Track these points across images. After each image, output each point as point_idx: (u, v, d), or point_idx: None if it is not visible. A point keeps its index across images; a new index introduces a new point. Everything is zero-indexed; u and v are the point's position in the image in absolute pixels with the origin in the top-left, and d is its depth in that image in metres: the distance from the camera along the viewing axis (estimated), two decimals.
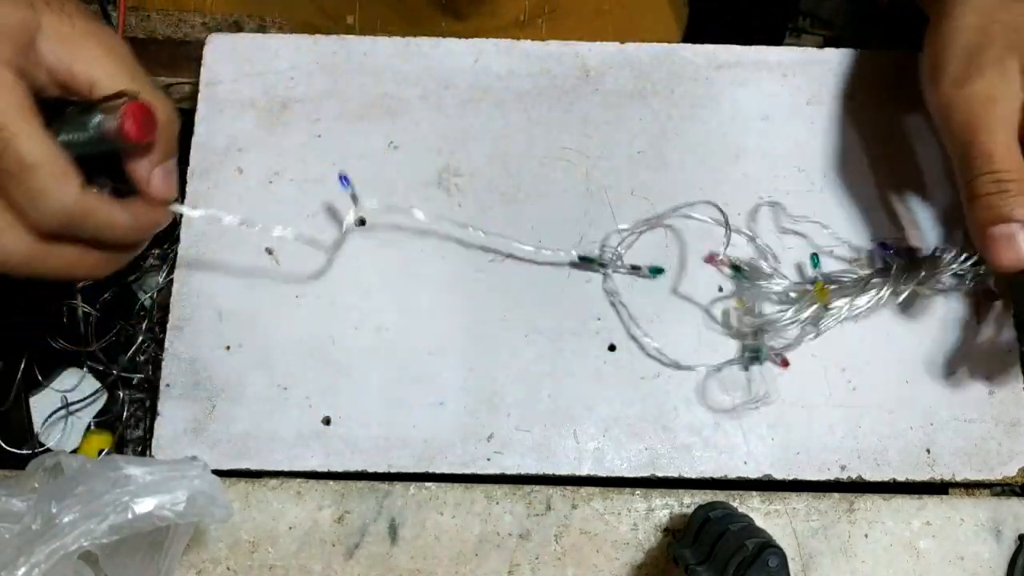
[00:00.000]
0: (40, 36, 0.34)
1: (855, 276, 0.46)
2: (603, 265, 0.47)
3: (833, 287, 0.45)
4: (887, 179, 0.50)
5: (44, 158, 0.32)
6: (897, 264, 0.46)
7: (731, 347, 0.46)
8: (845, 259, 0.48)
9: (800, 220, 0.48)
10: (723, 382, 0.45)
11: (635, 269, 0.47)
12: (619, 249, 0.47)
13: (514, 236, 0.47)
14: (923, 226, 0.49)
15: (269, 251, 0.48)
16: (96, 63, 0.35)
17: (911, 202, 0.49)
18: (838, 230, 0.48)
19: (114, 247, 0.37)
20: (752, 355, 0.44)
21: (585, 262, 0.47)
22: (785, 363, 0.45)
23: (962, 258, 0.45)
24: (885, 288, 0.45)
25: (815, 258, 0.47)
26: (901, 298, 0.46)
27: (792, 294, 0.46)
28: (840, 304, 0.45)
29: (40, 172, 0.32)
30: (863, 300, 0.45)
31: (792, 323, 0.44)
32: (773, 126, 0.50)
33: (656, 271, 0.47)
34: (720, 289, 0.47)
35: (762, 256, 0.47)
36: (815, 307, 0.44)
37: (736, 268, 0.45)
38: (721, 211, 0.46)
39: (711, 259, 0.47)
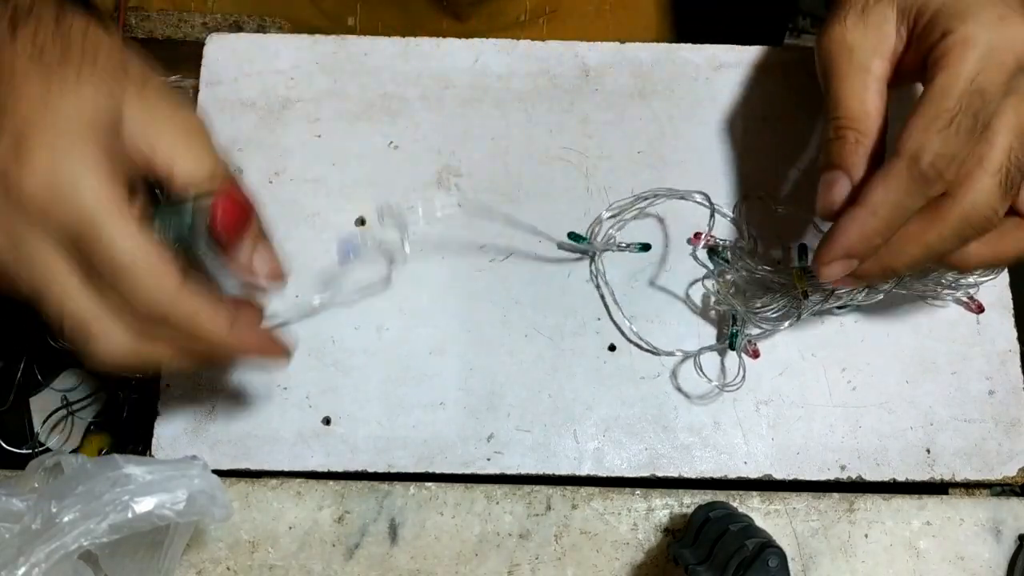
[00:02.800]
0: (124, 121, 0.33)
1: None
2: (590, 244, 0.46)
3: (814, 278, 0.45)
4: None
5: (138, 255, 0.31)
6: None
7: (713, 334, 0.47)
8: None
9: (786, 211, 0.48)
10: (700, 369, 0.45)
11: (622, 248, 0.47)
12: (610, 231, 0.47)
13: (514, 236, 0.48)
14: None
15: None
16: (177, 148, 0.34)
17: None
18: None
19: (211, 349, 0.35)
20: (728, 341, 0.44)
21: (573, 239, 0.46)
22: (756, 354, 0.45)
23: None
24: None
25: (803, 250, 0.46)
26: (878, 298, 0.45)
27: (772, 283, 0.46)
28: (819, 296, 0.44)
29: (135, 270, 0.31)
30: (841, 294, 0.45)
31: (768, 310, 0.44)
32: (773, 126, 0.50)
33: (644, 247, 0.47)
34: (704, 277, 0.47)
35: (745, 243, 0.47)
36: (791, 296, 0.44)
37: (714, 251, 0.45)
38: (706, 196, 0.46)
39: (695, 238, 0.47)
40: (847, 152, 0.37)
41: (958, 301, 0.47)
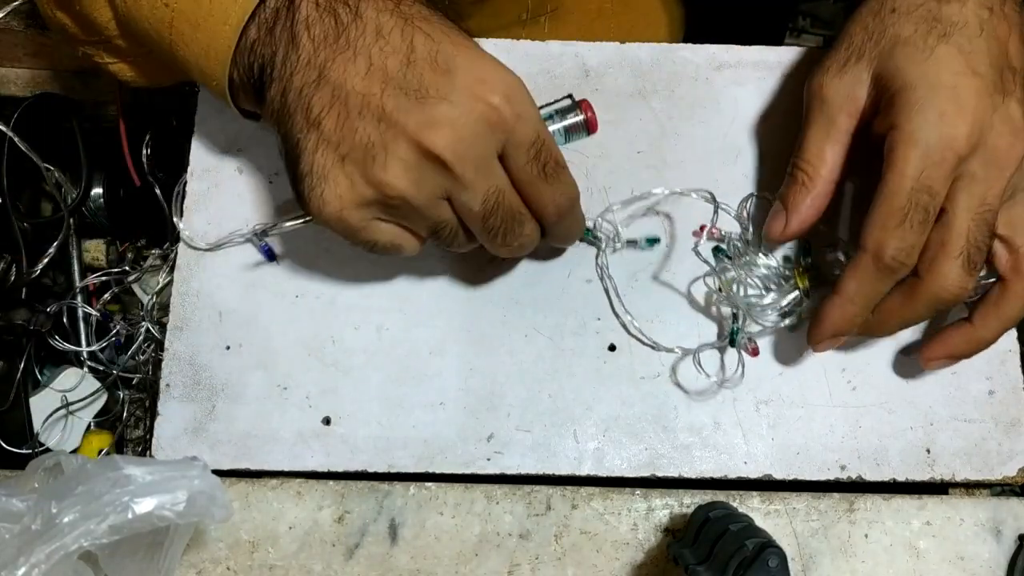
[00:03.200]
0: None
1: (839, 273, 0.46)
2: (596, 238, 0.47)
3: (816, 276, 0.45)
4: None
5: (564, 159, 0.38)
6: None
7: (713, 333, 0.47)
8: (840, 259, 0.47)
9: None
10: (699, 364, 0.45)
11: (631, 243, 0.47)
12: (618, 226, 0.47)
13: None
14: None
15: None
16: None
17: None
18: (837, 229, 0.48)
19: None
20: (728, 338, 0.44)
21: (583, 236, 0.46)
22: (755, 351, 0.45)
23: None
24: None
25: (805, 248, 0.46)
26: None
27: (773, 281, 0.45)
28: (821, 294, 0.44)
29: (567, 170, 0.39)
30: None
31: (769, 308, 0.44)
32: (773, 126, 0.50)
33: (652, 241, 0.47)
34: (706, 274, 0.46)
35: (749, 242, 0.47)
36: (794, 294, 0.44)
37: (718, 247, 0.45)
38: (711, 194, 0.46)
39: (700, 230, 0.47)
40: (793, 192, 0.43)
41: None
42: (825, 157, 0.42)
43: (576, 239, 0.44)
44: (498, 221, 0.37)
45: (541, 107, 0.43)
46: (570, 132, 0.47)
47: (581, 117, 0.47)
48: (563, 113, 0.47)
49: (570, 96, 0.46)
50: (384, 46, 0.35)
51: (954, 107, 0.38)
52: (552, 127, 0.47)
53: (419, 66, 0.35)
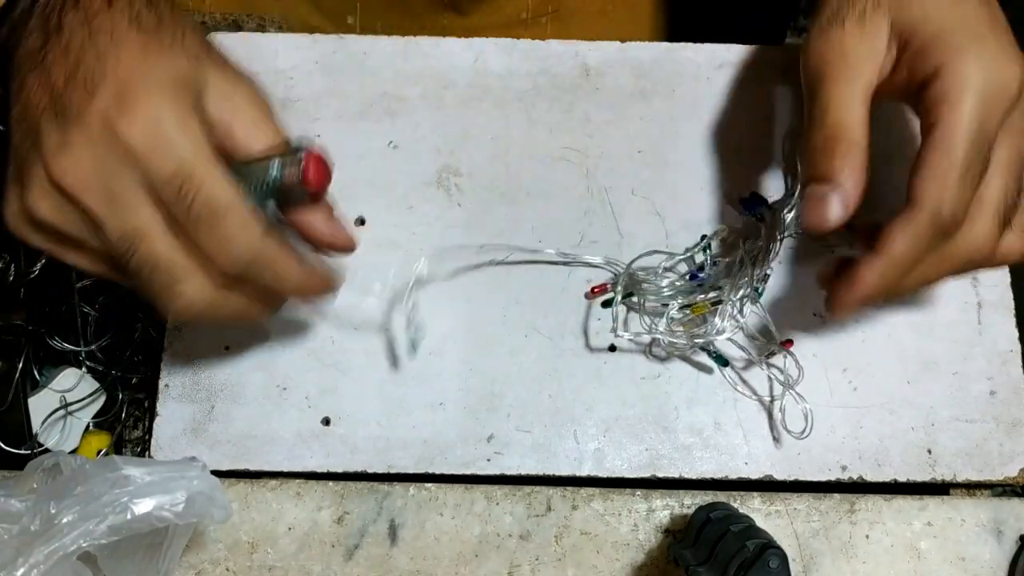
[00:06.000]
0: (207, 91, 0.34)
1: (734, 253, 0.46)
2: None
3: (712, 295, 0.44)
4: (887, 178, 0.49)
5: (233, 203, 0.33)
6: (764, 215, 0.45)
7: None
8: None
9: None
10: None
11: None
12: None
13: (514, 236, 0.47)
14: None
15: None
16: (253, 124, 0.35)
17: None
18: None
19: (278, 295, 0.38)
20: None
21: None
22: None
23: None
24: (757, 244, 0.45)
25: (704, 241, 0.47)
26: (776, 252, 0.45)
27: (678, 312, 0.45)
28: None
29: (230, 216, 0.32)
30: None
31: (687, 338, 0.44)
32: (774, 125, 0.50)
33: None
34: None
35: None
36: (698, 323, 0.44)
37: (607, 303, 0.46)
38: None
39: (592, 293, 0.47)
40: (837, 165, 0.36)
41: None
42: (859, 117, 0.36)
43: (310, 299, 0.39)
44: (138, 269, 0.33)
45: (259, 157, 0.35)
46: (281, 190, 0.35)
47: (294, 169, 0.35)
48: (283, 160, 0.35)
49: (297, 146, 0.36)
50: (62, 61, 0.33)
51: (999, 49, 0.35)
52: (249, 180, 0.35)
53: (75, 84, 0.32)
